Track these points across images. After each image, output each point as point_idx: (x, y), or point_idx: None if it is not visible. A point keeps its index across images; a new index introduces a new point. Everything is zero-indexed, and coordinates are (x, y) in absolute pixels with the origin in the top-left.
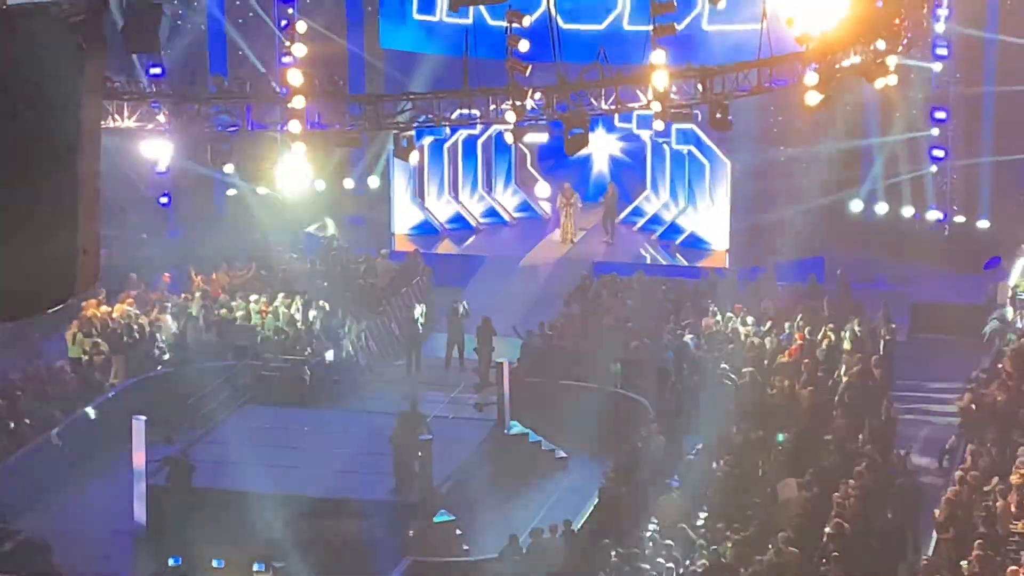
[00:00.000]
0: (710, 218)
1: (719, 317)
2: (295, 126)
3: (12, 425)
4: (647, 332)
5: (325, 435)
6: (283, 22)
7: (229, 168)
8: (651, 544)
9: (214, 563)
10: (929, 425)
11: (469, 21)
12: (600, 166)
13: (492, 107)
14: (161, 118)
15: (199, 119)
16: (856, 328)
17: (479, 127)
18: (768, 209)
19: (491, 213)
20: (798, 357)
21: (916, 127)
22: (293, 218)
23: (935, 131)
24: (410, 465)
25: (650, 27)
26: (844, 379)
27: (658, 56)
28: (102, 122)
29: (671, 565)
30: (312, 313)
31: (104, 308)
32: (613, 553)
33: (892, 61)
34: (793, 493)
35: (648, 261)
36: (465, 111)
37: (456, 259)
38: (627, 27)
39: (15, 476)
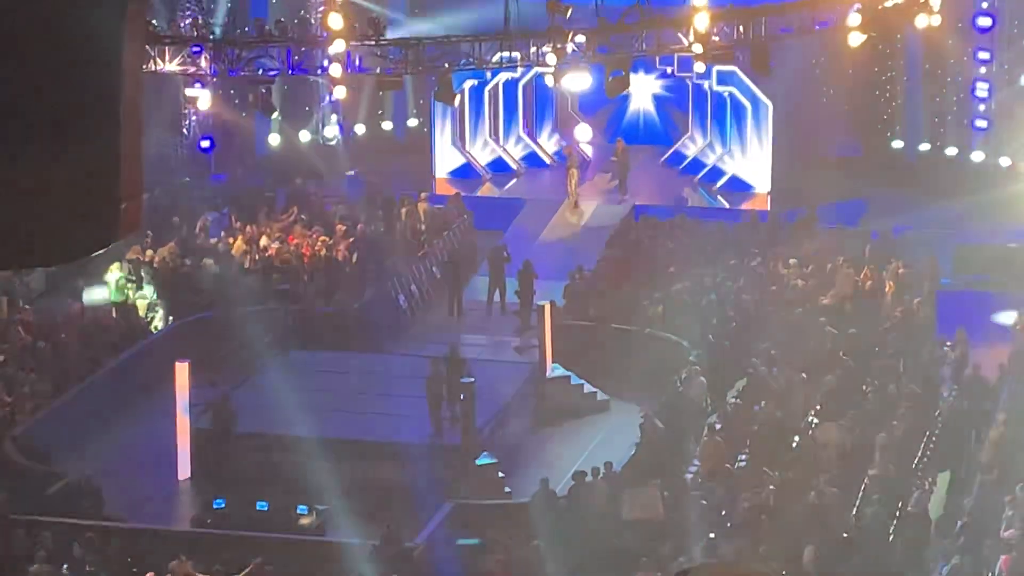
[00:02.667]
0: (751, 161)
1: (761, 259)
2: (335, 70)
3: (56, 369)
4: (688, 275)
5: (368, 379)
6: None
7: (275, 115)
8: (692, 486)
9: (258, 506)
10: (971, 366)
11: None
12: (640, 107)
13: (533, 50)
14: (203, 62)
15: (240, 63)
16: (899, 270)
17: (520, 70)
18: (810, 151)
19: (532, 156)
20: (840, 299)
21: (960, 66)
22: (334, 162)
23: (981, 70)
24: (445, 410)
25: None
26: (887, 321)
27: None
28: (144, 67)
29: (712, 508)
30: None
31: (148, 252)
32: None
33: (936, 0)
34: (833, 436)
35: (689, 204)
36: (506, 54)
37: (497, 202)
38: None
39: (60, 420)
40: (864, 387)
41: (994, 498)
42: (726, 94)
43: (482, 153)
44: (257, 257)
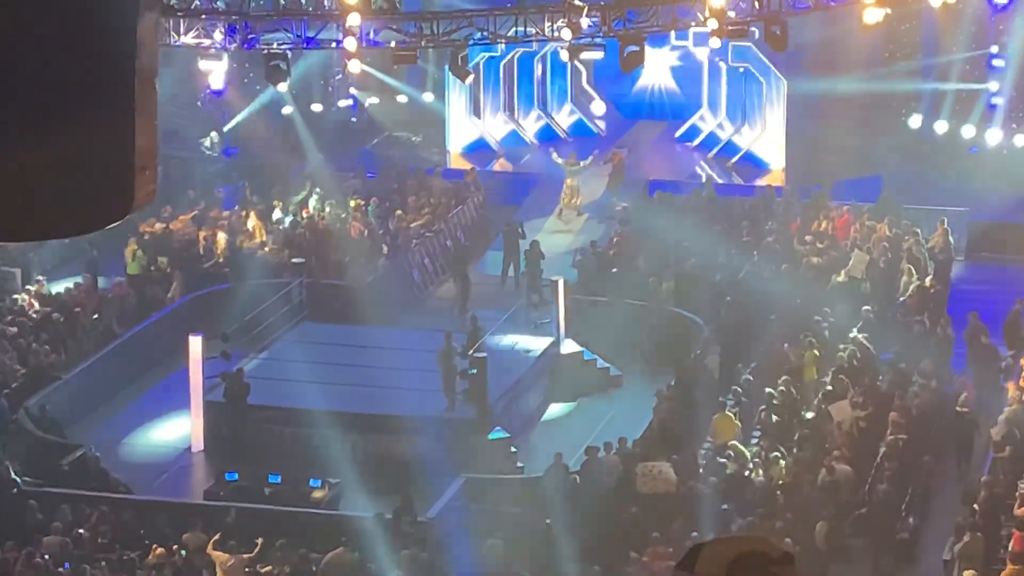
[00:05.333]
0: (766, 137)
1: (775, 236)
2: (350, 43)
3: (71, 341)
4: (702, 250)
5: (381, 352)
6: None
7: (283, 87)
8: (705, 462)
9: (270, 479)
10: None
11: None
12: (655, 82)
13: (548, 24)
14: (217, 35)
15: (255, 36)
16: (914, 247)
17: (535, 45)
18: (825, 127)
19: (546, 130)
20: (854, 278)
21: (977, 44)
22: (349, 135)
23: (995, 48)
24: (458, 384)
25: None
26: (901, 298)
27: None
28: (159, 40)
29: (725, 484)
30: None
31: (159, 225)
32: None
33: None
34: (847, 414)
35: (704, 180)
36: (521, 28)
37: (511, 177)
38: None
39: (74, 391)
40: (877, 364)
41: (1006, 475)
42: (741, 70)
43: (496, 128)
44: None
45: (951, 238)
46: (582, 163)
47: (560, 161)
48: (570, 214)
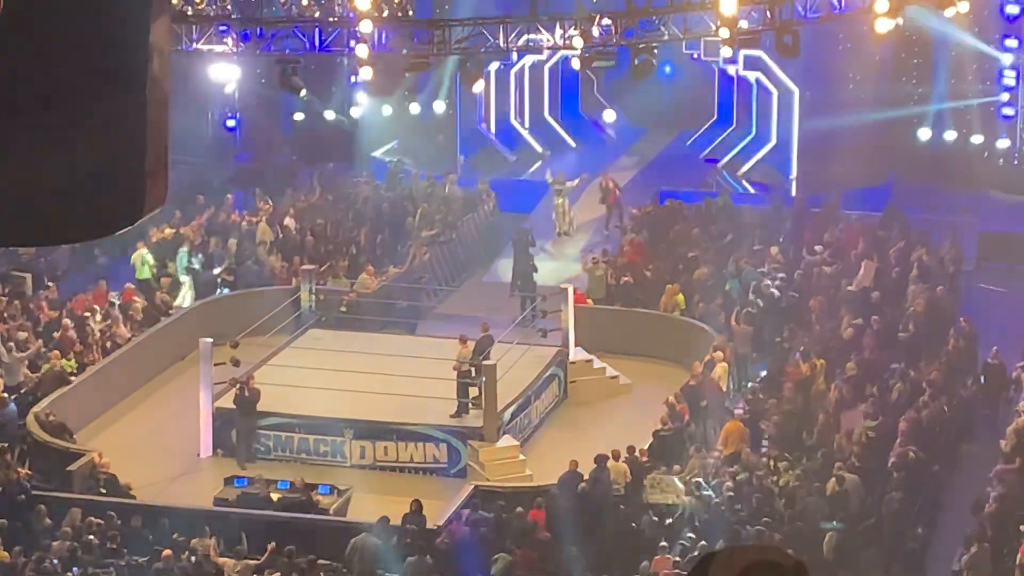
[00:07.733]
0: (777, 146)
1: (785, 245)
2: (362, 50)
3: (80, 346)
4: (712, 260)
5: (390, 359)
6: None
7: (303, 92)
8: (713, 471)
9: (279, 485)
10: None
11: None
12: (665, 90)
13: (559, 33)
14: (229, 41)
15: (267, 42)
16: (924, 257)
17: (546, 53)
18: (835, 137)
19: (556, 139)
20: (863, 287)
21: (987, 54)
22: (360, 142)
23: (1006, 58)
24: (469, 391)
25: None
26: (911, 308)
27: None
28: (170, 45)
29: (734, 493)
30: None
31: (169, 230)
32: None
33: None
34: (855, 422)
35: (714, 189)
36: (532, 36)
37: (521, 185)
38: None
39: (83, 396)
40: (886, 374)
41: (1016, 487)
42: (752, 79)
43: (508, 136)
44: (281, 236)
45: (961, 246)
46: (568, 183)
47: (550, 180)
48: (562, 239)
